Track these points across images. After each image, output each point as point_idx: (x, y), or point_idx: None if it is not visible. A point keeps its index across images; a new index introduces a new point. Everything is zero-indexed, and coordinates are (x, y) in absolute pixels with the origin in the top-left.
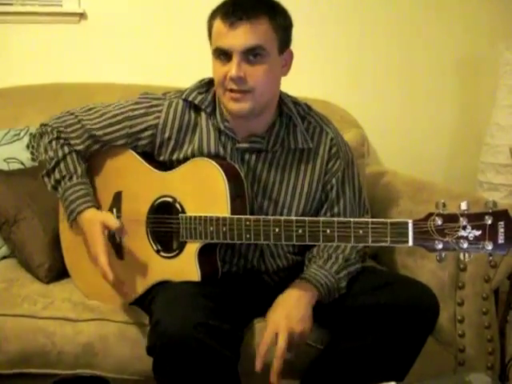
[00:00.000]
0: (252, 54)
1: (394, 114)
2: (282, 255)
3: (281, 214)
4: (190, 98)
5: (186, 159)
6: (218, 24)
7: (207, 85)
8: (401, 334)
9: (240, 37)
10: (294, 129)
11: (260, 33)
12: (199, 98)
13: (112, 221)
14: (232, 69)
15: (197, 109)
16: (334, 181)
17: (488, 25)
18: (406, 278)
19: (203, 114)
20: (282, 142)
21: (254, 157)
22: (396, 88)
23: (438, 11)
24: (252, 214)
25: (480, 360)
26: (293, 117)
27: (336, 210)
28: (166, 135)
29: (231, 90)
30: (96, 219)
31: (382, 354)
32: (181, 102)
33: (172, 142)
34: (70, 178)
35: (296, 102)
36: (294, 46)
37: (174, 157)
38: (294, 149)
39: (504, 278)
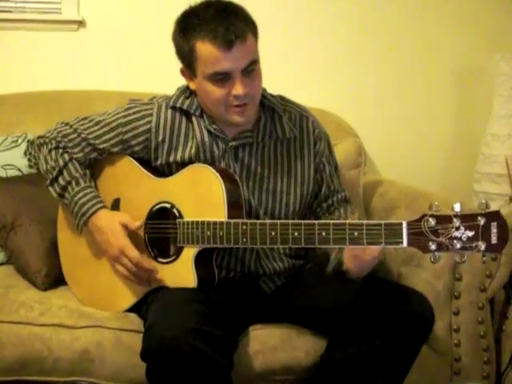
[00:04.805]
0: (248, 69)
1: (391, 123)
2: (278, 258)
3: (280, 203)
4: (178, 104)
5: (183, 163)
6: (210, 49)
7: (189, 88)
8: (395, 342)
9: (239, 57)
10: (280, 120)
11: (252, 48)
12: (186, 102)
13: (131, 221)
14: (238, 88)
15: (186, 113)
16: (324, 159)
17: (484, 35)
18: (401, 286)
19: (194, 118)
20: (271, 133)
21: (246, 152)
22: (393, 97)
23: (436, 22)
24: (251, 209)
25: (476, 369)
26: (276, 108)
27: (333, 187)
28: (160, 138)
29: (237, 106)
30: (114, 219)
31: (377, 362)
32: (169, 108)
33: (166, 145)
34: (77, 183)
35: (270, 94)
36: (293, 56)
37: (171, 159)
38: (281, 139)
39: (500, 288)
